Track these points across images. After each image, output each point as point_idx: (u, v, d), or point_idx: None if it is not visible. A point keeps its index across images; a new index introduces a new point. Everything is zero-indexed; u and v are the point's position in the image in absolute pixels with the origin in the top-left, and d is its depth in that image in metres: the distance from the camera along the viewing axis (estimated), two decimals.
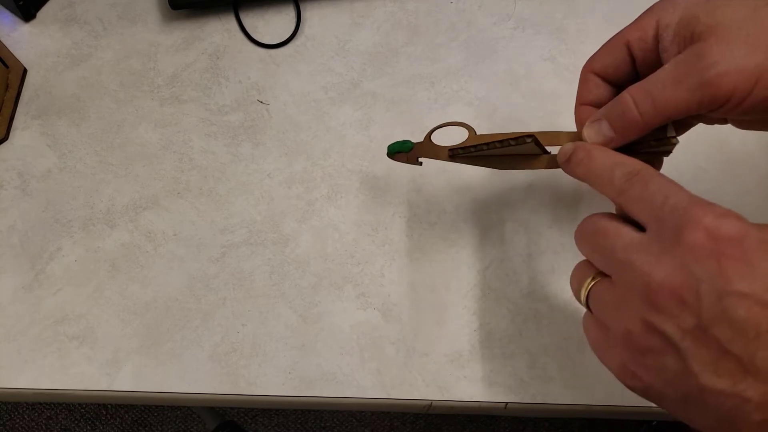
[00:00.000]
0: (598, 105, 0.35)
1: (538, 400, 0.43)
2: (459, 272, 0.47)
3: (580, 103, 0.37)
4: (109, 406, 1.23)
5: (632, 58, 0.34)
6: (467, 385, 0.44)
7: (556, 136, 0.38)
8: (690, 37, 0.31)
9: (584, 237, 0.32)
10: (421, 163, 0.42)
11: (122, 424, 1.23)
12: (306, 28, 0.56)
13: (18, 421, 1.24)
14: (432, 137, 0.41)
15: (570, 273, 0.34)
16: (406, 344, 0.45)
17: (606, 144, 0.34)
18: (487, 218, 0.48)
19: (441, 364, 0.44)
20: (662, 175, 0.30)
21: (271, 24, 0.57)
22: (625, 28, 0.35)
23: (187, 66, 0.55)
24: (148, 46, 0.57)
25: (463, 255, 0.47)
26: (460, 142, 0.40)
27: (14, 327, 0.47)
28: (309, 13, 0.57)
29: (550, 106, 0.51)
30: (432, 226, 0.48)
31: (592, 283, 0.31)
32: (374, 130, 0.52)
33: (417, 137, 0.51)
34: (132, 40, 0.57)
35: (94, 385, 0.45)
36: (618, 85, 0.36)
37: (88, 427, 1.23)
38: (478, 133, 0.40)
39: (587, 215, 0.32)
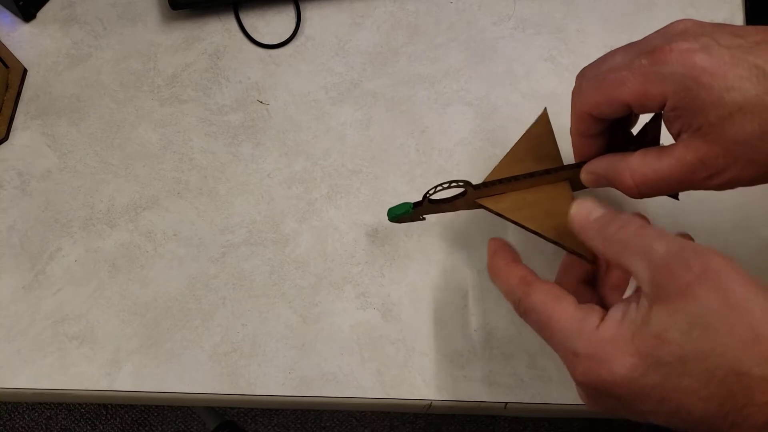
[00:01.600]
0: (595, 136, 0.36)
1: (538, 400, 0.43)
2: (459, 272, 0.47)
3: (577, 134, 0.37)
4: (109, 406, 1.23)
5: (630, 108, 0.34)
6: (467, 385, 0.44)
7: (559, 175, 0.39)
8: (697, 129, 0.31)
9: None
10: (424, 219, 0.43)
11: (122, 424, 1.23)
12: (306, 28, 0.56)
13: (18, 421, 1.24)
14: (432, 196, 0.40)
15: None
16: (406, 344, 0.45)
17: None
18: (487, 219, 0.48)
19: (441, 364, 0.44)
20: None
21: (271, 24, 0.57)
22: (625, 79, 0.32)
23: (187, 66, 0.55)
24: (148, 46, 0.57)
25: (463, 255, 0.47)
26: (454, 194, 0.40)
27: (14, 327, 0.47)
28: (309, 13, 0.57)
29: (550, 106, 0.51)
30: (432, 226, 0.48)
31: None
32: (374, 130, 0.52)
33: (417, 137, 0.51)
34: (132, 40, 0.57)
35: (94, 385, 0.45)
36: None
37: (88, 427, 1.23)
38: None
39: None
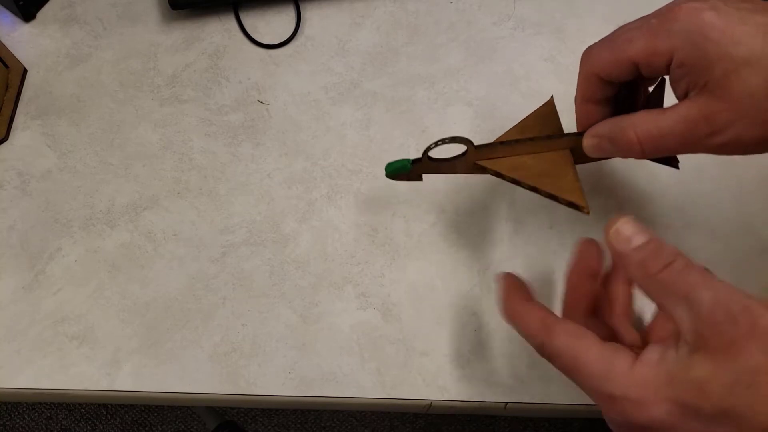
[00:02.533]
0: (600, 102, 0.36)
1: (538, 400, 0.43)
2: (459, 272, 0.47)
3: (582, 100, 0.37)
4: (109, 406, 1.23)
5: (637, 68, 0.34)
6: (467, 385, 0.44)
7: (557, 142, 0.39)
8: (703, 86, 0.31)
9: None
10: (422, 179, 0.42)
11: (122, 424, 1.23)
12: (306, 28, 0.56)
13: (18, 421, 1.24)
14: (430, 153, 0.40)
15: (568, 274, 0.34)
16: (406, 344, 0.45)
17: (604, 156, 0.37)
18: (487, 218, 0.48)
19: (441, 364, 0.44)
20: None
21: (271, 24, 0.57)
22: (633, 37, 0.33)
23: (187, 66, 0.55)
24: (148, 46, 0.57)
25: (463, 255, 0.47)
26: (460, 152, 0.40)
27: (14, 327, 0.47)
28: (309, 13, 0.57)
29: None
30: (432, 226, 0.48)
31: None
32: (374, 130, 0.52)
33: (417, 137, 0.51)
34: (132, 40, 0.57)
35: (94, 385, 0.45)
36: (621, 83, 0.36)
37: (88, 427, 1.23)
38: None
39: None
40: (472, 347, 0.44)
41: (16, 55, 0.56)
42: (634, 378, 0.28)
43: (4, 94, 0.54)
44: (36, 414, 1.24)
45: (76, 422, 1.23)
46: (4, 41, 0.56)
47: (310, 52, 0.55)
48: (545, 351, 0.32)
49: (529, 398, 0.43)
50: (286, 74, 0.55)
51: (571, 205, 0.37)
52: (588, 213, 0.37)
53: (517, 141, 0.39)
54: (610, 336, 0.33)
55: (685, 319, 0.28)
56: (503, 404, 0.43)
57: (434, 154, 0.39)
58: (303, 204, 0.50)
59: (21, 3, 0.57)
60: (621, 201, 0.48)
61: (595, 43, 0.35)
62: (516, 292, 0.35)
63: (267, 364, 0.45)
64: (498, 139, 0.40)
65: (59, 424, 1.23)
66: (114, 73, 0.56)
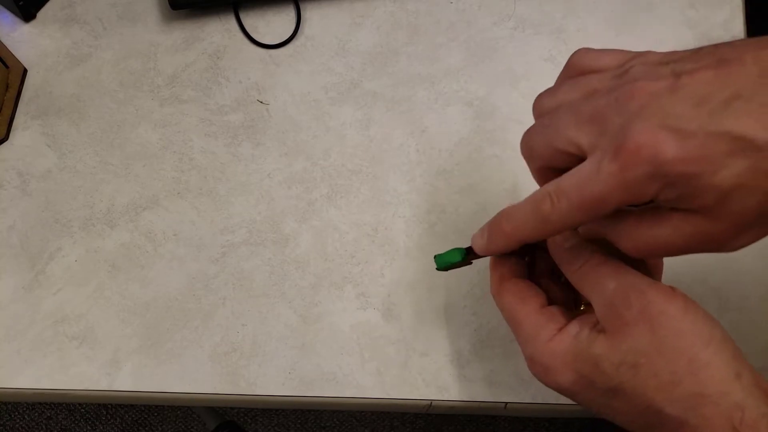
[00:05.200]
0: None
1: (538, 400, 0.43)
2: (459, 272, 0.46)
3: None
4: (109, 406, 1.23)
5: None
6: (467, 385, 0.44)
7: None
8: (695, 210, 0.27)
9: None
10: (471, 263, 0.37)
11: (122, 424, 1.23)
12: (306, 28, 0.56)
13: (18, 421, 1.24)
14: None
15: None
16: (406, 344, 0.45)
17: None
18: (487, 219, 0.48)
19: (441, 364, 0.44)
20: None
21: (271, 24, 0.57)
22: (599, 191, 0.28)
23: (187, 66, 0.55)
24: (148, 46, 0.57)
25: None
26: None
27: (14, 327, 0.47)
28: (309, 13, 0.57)
29: None
30: (432, 226, 0.48)
31: None
32: (374, 130, 0.52)
33: (417, 137, 0.51)
34: (132, 40, 0.57)
35: (94, 385, 0.45)
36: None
37: (88, 427, 1.23)
38: None
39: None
40: (472, 347, 0.44)
41: (16, 55, 0.56)
42: (550, 347, 0.32)
43: (4, 94, 0.54)
44: (36, 414, 1.24)
45: (76, 422, 1.23)
46: (4, 41, 0.56)
47: (310, 52, 0.55)
48: (497, 304, 0.35)
49: (529, 398, 0.43)
50: (286, 74, 0.55)
51: None
52: None
53: None
54: (565, 297, 0.36)
55: (596, 305, 0.31)
56: (503, 404, 0.43)
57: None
58: (303, 204, 0.50)
59: (21, 3, 0.57)
60: None
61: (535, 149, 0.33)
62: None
63: (267, 364, 0.45)
64: None
65: (59, 424, 1.23)
66: (114, 73, 0.56)
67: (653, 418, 0.29)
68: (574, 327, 0.32)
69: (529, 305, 0.34)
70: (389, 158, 0.51)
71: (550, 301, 0.34)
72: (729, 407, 0.27)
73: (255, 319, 0.46)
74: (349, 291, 0.47)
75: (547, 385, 0.32)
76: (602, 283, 0.31)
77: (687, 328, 0.29)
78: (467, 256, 0.36)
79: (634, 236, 0.30)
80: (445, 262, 0.36)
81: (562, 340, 0.32)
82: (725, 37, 0.51)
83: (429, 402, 0.44)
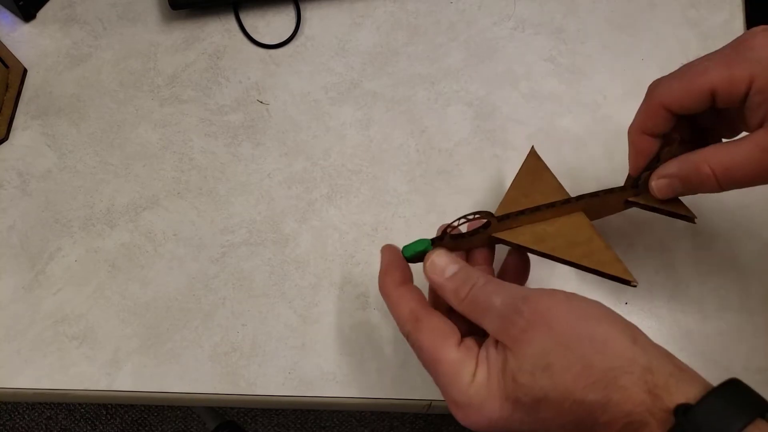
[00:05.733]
0: (658, 136, 0.36)
1: None
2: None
3: (641, 132, 0.36)
4: (109, 406, 1.23)
5: (713, 98, 0.33)
6: None
7: (605, 201, 0.38)
8: None
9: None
10: None
11: (122, 424, 1.23)
12: (306, 28, 0.56)
13: (18, 421, 1.24)
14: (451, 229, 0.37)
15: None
16: (406, 344, 0.45)
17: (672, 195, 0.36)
18: None
19: None
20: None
21: (271, 24, 0.57)
22: (708, 67, 0.32)
23: (187, 66, 0.55)
24: (148, 46, 0.57)
25: None
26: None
27: (14, 327, 0.47)
28: (309, 13, 0.57)
29: (550, 106, 0.51)
30: (432, 226, 0.48)
31: None
32: (374, 130, 0.52)
33: (417, 137, 0.51)
34: (132, 40, 0.57)
35: (94, 385, 0.45)
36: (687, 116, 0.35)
37: (88, 427, 1.23)
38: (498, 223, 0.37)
39: None
40: None
41: (16, 55, 0.56)
42: (474, 387, 0.31)
43: (4, 94, 0.54)
44: (36, 414, 1.24)
45: (76, 422, 1.23)
46: (4, 41, 0.56)
47: (310, 52, 0.55)
48: (410, 341, 0.34)
49: None
50: (286, 74, 0.55)
51: (617, 279, 0.36)
52: (636, 286, 0.36)
53: (537, 208, 0.37)
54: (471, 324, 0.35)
55: (490, 326, 0.31)
56: None
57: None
58: (303, 204, 0.50)
59: (21, 3, 0.57)
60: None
61: (664, 76, 0.35)
62: (394, 272, 0.36)
63: (267, 364, 0.45)
64: (501, 204, 0.38)
65: (59, 424, 1.23)
66: (114, 73, 0.56)
67: (582, 413, 0.29)
68: (483, 353, 0.32)
69: (447, 345, 0.32)
70: (389, 158, 0.51)
71: (462, 332, 0.33)
72: (640, 371, 0.28)
73: (255, 319, 0.46)
74: (349, 291, 0.47)
75: (476, 426, 0.31)
76: (489, 301, 0.31)
77: (576, 314, 0.30)
78: (433, 246, 0.36)
79: (714, 160, 0.32)
80: (412, 251, 0.37)
81: (480, 371, 0.31)
82: (725, 37, 0.51)
83: (429, 402, 0.44)
